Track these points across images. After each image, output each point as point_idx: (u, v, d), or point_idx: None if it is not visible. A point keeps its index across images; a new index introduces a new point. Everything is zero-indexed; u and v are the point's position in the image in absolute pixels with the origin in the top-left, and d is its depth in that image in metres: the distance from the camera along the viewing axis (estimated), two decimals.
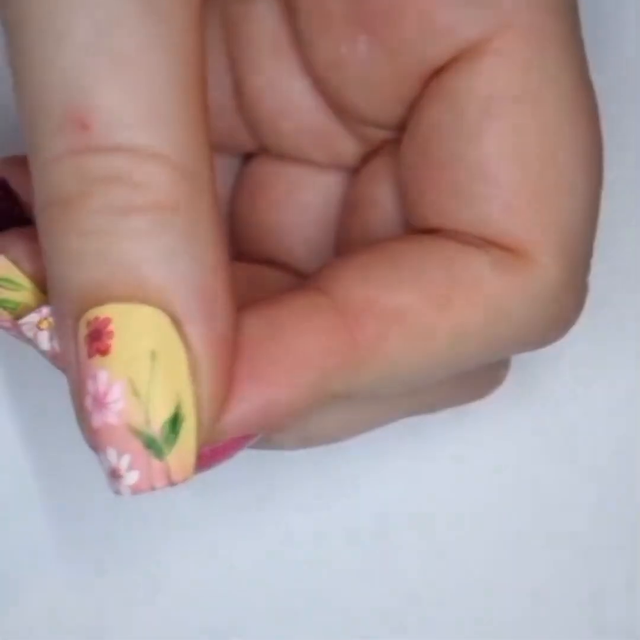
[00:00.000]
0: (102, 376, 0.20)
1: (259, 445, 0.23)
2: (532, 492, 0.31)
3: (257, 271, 0.27)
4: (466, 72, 0.22)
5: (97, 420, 0.20)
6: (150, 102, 0.20)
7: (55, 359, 0.23)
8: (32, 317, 0.23)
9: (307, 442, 0.25)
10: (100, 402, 0.20)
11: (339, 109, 0.25)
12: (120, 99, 0.19)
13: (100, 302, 0.20)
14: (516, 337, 0.23)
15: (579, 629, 0.31)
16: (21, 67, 0.20)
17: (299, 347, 0.21)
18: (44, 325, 0.23)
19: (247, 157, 0.28)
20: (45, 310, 0.23)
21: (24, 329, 0.23)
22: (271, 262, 0.27)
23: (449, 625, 0.31)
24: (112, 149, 0.19)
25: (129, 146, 0.19)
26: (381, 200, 0.25)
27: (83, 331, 0.20)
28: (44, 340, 0.23)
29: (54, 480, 0.30)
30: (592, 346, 0.31)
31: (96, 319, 0.20)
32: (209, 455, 0.22)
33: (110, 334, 0.20)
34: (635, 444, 0.31)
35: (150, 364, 0.20)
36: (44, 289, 0.24)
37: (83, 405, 0.20)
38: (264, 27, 0.25)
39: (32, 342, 0.23)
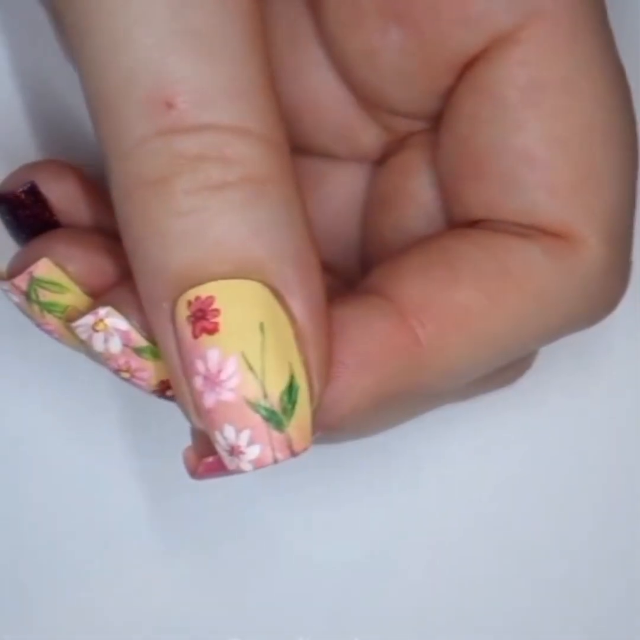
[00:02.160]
0: (213, 354, 0.20)
1: None
2: (539, 495, 0.31)
3: None
4: (501, 61, 0.22)
5: (209, 400, 0.20)
6: (231, 78, 0.20)
7: (109, 360, 0.23)
8: (88, 319, 0.22)
9: (357, 436, 0.25)
10: (213, 381, 0.20)
11: (368, 100, 0.25)
12: (201, 76, 0.19)
13: (200, 281, 0.20)
14: (569, 320, 0.23)
15: (580, 633, 0.31)
16: (92, 54, 0.20)
17: (363, 348, 0.22)
18: (100, 327, 0.22)
19: None
20: (101, 311, 0.22)
21: (79, 331, 0.23)
22: None
23: (450, 627, 0.31)
24: (199, 126, 0.19)
25: (216, 123, 0.19)
26: (417, 194, 0.25)
27: (183, 313, 0.20)
28: (99, 342, 0.22)
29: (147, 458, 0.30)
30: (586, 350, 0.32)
31: (197, 298, 0.20)
32: None
33: (215, 312, 0.20)
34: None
35: (260, 337, 0.20)
36: (87, 290, 0.23)
37: (192, 387, 0.20)
38: (281, 23, 0.25)
39: (85, 344, 0.23)
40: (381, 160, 0.26)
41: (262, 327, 0.20)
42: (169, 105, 0.19)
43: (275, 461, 0.20)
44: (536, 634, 0.31)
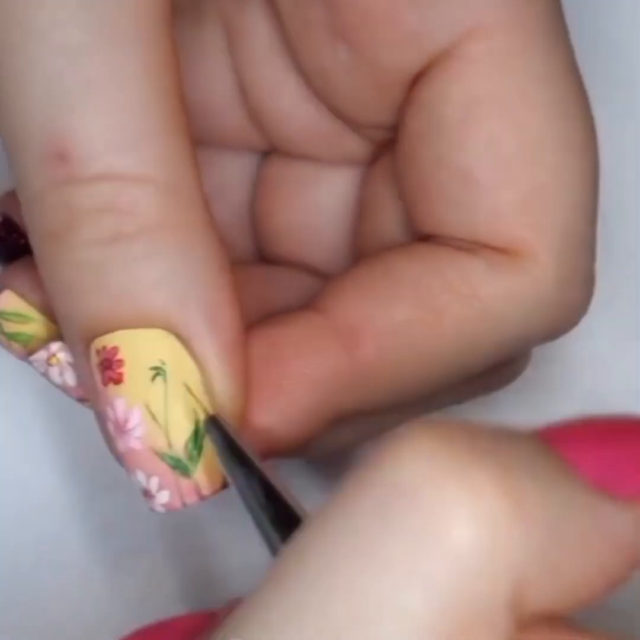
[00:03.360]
0: (119, 404, 0.20)
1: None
2: None
3: (278, 273, 0.26)
4: (441, 78, 0.22)
5: (121, 445, 0.20)
6: (125, 125, 0.20)
7: (68, 391, 0.23)
8: (41, 355, 0.23)
9: (326, 452, 0.25)
10: (121, 429, 0.20)
11: (334, 113, 0.25)
12: (95, 125, 0.19)
13: (105, 330, 0.20)
14: (524, 335, 0.23)
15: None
16: None
17: (298, 370, 0.21)
18: (54, 361, 0.23)
19: (264, 156, 0.27)
20: (53, 347, 0.23)
21: (35, 365, 0.23)
22: (292, 263, 0.27)
23: None
24: (93, 177, 0.20)
25: (110, 172, 0.20)
26: (388, 203, 0.25)
27: (94, 359, 0.20)
28: (55, 375, 0.23)
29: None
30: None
31: (104, 348, 0.20)
32: None
33: (120, 363, 0.20)
34: None
35: (163, 387, 0.20)
36: (52, 318, 0.24)
37: (106, 430, 0.21)
38: (260, 32, 0.25)
39: (44, 376, 0.24)
40: (371, 164, 0.26)
41: (165, 377, 0.20)
42: (63, 157, 0.19)
43: (185, 506, 0.20)
44: None
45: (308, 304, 0.23)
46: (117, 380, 0.20)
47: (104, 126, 0.19)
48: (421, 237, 0.23)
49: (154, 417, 0.20)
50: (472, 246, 0.22)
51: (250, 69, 0.25)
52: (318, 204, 0.26)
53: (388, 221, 0.25)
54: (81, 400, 0.23)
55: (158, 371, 0.20)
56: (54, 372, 0.23)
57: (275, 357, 0.21)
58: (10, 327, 0.24)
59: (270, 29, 0.25)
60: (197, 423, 0.20)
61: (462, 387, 0.24)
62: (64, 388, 0.23)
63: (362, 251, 0.26)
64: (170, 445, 0.20)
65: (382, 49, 0.22)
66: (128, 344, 0.20)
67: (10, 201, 0.25)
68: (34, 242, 0.20)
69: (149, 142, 0.20)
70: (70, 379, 0.23)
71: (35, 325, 0.24)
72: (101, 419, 0.21)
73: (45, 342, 0.23)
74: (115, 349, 0.20)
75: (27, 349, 0.24)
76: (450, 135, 0.22)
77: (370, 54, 0.22)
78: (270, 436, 0.21)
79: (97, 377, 0.20)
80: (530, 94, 0.21)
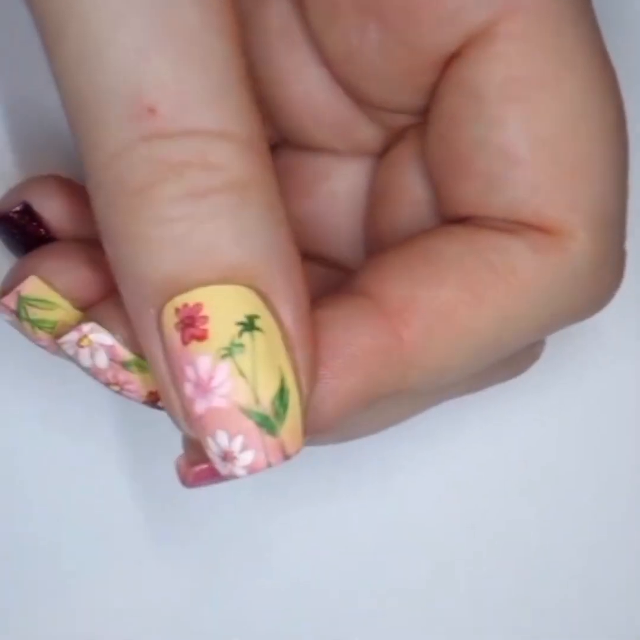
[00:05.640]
0: (203, 362, 0.20)
1: None
2: (538, 490, 0.31)
3: None
4: (480, 57, 0.22)
5: (200, 406, 0.20)
6: (212, 81, 0.20)
7: (97, 375, 0.23)
8: (72, 336, 0.23)
9: (346, 437, 0.25)
10: (203, 388, 0.20)
11: (357, 98, 0.25)
12: (183, 80, 0.19)
13: (187, 288, 0.20)
14: (560, 315, 0.23)
15: (583, 630, 0.31)
16: (69, 58, 0.19)
17: (346, 350, 0.21)
18: (85, 342, 0.23)
19: (272, 149, 0.27)
20: (85, 328, 0.22)
21: (65, 347, 0.23)
22: (305, 255, 0.26)
23: (453, 627, 0.30)
24: (182, 132, 0.19)
25: (198, 127, 0.19)
26: (409, 189, 0.25)
27: (172, 319, 0.20)
28: (86, 357, 0.23)
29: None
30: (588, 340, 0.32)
31: (185, 305, 0.20)
32: None
33: (204, 319, 0.20)
34: None
35: (250, 342, 0.20)
36: (77, 304, 0.24)
37: (182, 393, 0.20)
38: (275, 20, 0.25)
39: (73, 359, 0.23)
40: (383, 154, 0.26)
41: (252, 332, 0.20)
42: (151, 111, 0.19)
43: (269, 466, 0.20)
44: (543, 634, 0.30)
45: (345, 288, 0.23)
46: (202, 337, 0.20)
47: (192, 81, 0.19)
48: (455, 219, 0.24)
49: (241, 373, 0.20)
50: (510, 226, 0.23)
51: (262, 60, 0.25)
52: (329, 196, 0.27)
53: (407, 208, 0.25)
54: (108, 384, 0.23)
55: (245, 326, 0.20)
56: (84, 354, 0.22)
57: (323, 338, 0.21)
58: (36, 313, 0.23)
59: (286, 17, 0.25)
60: (282, 380, 0.20)
61: (482, 374, 0.24)
62: (93, 371, 0.23)
63: (377, 241, 0.26)
64: (257, 401, 0.20)
65: (417, 29, 0.22)
66: (213, 300, 0.20)
67: (31, 189, 0.25)
68: (108, 203, 0.20)
69: (231, 97, 0.20)
70: (100, 361, 0.22)
71: (60, 311, 0.24)
72: (175, 383, 0.20)
73: (70, 329, 0.23)
74: (198, 306, 0.20)
75: (51, 336, 0.23)
76: (490, 114, 0.22)
77: (404, 34, 0.23)
78: (316, 416, 0.21)
79: (176, 336, 0.20)
80: (571, 72, 0.22)
